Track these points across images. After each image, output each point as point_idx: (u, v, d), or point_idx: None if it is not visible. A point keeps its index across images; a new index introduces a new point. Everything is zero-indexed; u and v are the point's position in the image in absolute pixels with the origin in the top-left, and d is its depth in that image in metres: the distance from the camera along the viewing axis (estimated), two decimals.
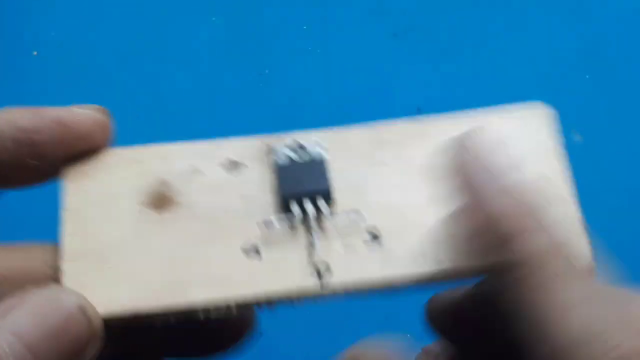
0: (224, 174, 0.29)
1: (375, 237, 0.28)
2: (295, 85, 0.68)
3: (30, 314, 0.24)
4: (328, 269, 0.27)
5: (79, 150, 0.29)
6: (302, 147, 0.29)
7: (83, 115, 0.28)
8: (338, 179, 0.29)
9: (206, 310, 0.26)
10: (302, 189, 0.28)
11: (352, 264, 0.27)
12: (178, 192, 0.29)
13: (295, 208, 0.28)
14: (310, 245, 0.27)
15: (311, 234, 0.28)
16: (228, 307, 0.27)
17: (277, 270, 0.27)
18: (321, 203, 0.28)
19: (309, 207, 0.28)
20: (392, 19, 0.74)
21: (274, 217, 0.28)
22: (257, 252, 0.27)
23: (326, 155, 0.29)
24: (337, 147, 0.29)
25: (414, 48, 0.72)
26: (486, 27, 0.74)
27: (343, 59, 0.70)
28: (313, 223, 0.28)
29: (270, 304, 0.27)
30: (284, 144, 0.29)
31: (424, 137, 0.29)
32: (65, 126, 0.28)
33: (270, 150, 0.29)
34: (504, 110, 0.30)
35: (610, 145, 0.67)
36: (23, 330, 0.24)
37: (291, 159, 0.29)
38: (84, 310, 0.25)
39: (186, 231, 0.28)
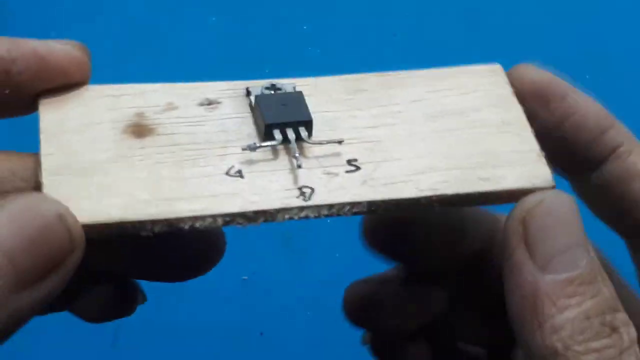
0: (202, 110, 0.30)
1: (356, 167, 0.28)
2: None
3: (8, 221, 0.23)
4: (313, 191, 0.28)
5: (56, 85, 0.29)
6: (276, 87, 0.30)
7: (61, 50, 0.28)
8: (315, 116, 0.29)
9: (192, 222, 0.27)
10: (285, 117, 0.29)
11: (334, 188, 0.28)
12: (156, 123, 0.29)
13: (277, 135, 0.28)
14: (294, 169, 0.28)
15: (295, 157, 0.28)
16: (214, 220, 0.27)
17: (263, 190, 0.27)
18: (303, 132, 0.29)
19: (290, 134, 0.29)
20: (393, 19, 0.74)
21: (257, 142, 0.28)
22: (241, 174, 0.28)
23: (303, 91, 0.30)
24: (312, 91, 0.31)
25: (413, 48, 0.72)
26: (486, 26, 0.74)
27: (343, 59, 0.70)
28: (296, 149, 0.28)
29: (255, 219, 0.27)
30: (261, 86, 0.30)
31: (398, 88, 0.31)
32: (42, 59, 0.28)
33: (248, 92, 0.30)
34: (469, 68, 0.32)
35: None
36: (0, 237, 0.23)
37: (271, 93, 0.30)
38: (63, 219, 0.25)
39: (169, 155, 0.28)
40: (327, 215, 0.28)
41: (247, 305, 0.58)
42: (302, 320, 0.59)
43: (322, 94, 0.31)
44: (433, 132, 0.30)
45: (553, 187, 0.28)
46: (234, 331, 0.57)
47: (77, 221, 0.25)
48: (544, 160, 0.29)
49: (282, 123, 0.29)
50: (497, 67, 0.32)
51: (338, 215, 0.28)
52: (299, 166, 0.28)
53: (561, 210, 0.27)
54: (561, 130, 0.30)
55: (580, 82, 0.70)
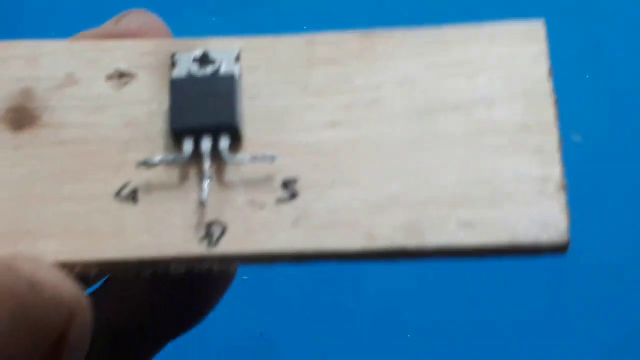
0: (108, 87, 0.22)
1: (292, 194, 0.21)
2: None
3: None
4: (223, 231, 0.20)
5: None
6: (209, 59, 0.22)
7: None
8: (253, 106, 0.22)
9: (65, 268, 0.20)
10: (198, 120, 0.21)
11: (255, 228, 0.20)
12: (44, 106, 0.22)
13: (187, 145, 0.21)
14: (202, 198, 0.21)
15: (207, 179, 0.21)
16: (85, 268, 0.20)
17: (157, 225, 0.21)
18: (223, 141, 0.21)
19: (205, 144, 0.21)
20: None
21: (159, 156, 0.21)
22: (134, 198, 0.21)
23: (237, 71, 0.22)
24: (263, 62, 0.22)
25: None
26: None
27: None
28: (208, 168, 0.21)
29: (139, 269, 0.21)
30: (191, 55, 0.22)
31: (383, 59, 0.22)
32: None
33: (173, 64, 0.22)
34: (497, 27, 0.22)
35: (611, 145, 0.67)
36: None
37: (191, 75, 0.22)
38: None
39: (46, 161, 0.21)
40: (240, 264, 0.21)
41: (247, 305, 0.58)
42: (302, 320, 0.59)
43: (276, 68, 0.22)
44: (414, 138, 0.21)
45: (566, 245, 0.20)
46: (234, 331, 0.57)
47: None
48: (562, 198, 0.20)
49: (194, 128, 0.21)
50: (538, 27, 0.22)
51: (254, 264, 0.21)
52: (203, 197, 0.21)
53: None
54: None
55: (580, 82, 0.71)
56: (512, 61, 0.22)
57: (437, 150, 0.21)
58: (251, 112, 0.22)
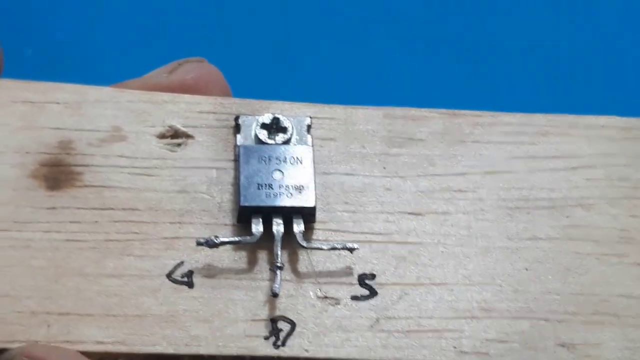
0: (160, 148, 0.19)
1: (370, 289, 0.18)
2: None
3: None
4: (292, 330, 0.18)
5: None
6: (280, 126, 0.19)
7: None
8: (326, 184, 0.19)
9: None
10: (273, 200, 0.18)
11: (327, 329, 0.18)
12: (85, 164, 0.19)
13: (257, 227, 0.18)
14: (271, 289, 0.18)
15: (277, 268, 0.18)
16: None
17: (214, 316, 0.18)
18: (297, 224, 0.18)
19: (278, 227, 0.18)
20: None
21: (223, 236, 0.18)
22: (189, 281, 0.18)
23: (310, 142, 0.19)
24: (338, 133, 0.20)
25: (413, 48, 0.70)
26: (486, 25, 0.72)
27: (343, 60, 0.68)
28: (280, 254, 0.18)
29: None
30: (259, 120, 0.19)
31: (471, 142, 0.20)
32: None
33: (238, 127, 0.19)
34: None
35: None
36: None
37: (260, 143, 0.19)
38: None
39: (87, 228, 0.18)
40: None
41: None
42: None
43: (352, 140, 0.20)
44: (508, 237, 0.19)
45: None
46: None
47: None
48: None
49: (266, 207, 0.18)
50: (637, 125, 0.21)
51: None
52: (275, 288, 0.18)
53: None
54: None
55: (584, 82, 0.68)
56: (612, 160, 0.20)
57: (532, 252, 0.19)
58: (324, 190, 0.19)
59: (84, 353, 0.17)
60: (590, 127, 0.20)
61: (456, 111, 0.20)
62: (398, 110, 0.20)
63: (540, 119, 0.20)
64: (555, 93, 0.59)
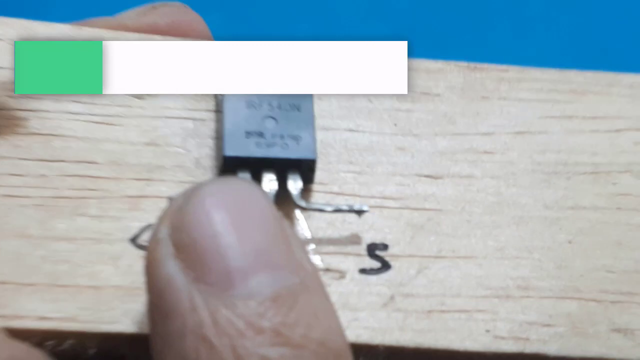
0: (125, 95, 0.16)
1: (382, 262, 0.15)
2: None
3: None
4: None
5: None
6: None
7: None
8: (326, 140, 0.16)
9: (40, 340, 0.14)
10: (262, 150, 0.15)
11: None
12: (33, 107, 0.16)
13: None
14: None
15: None
16: (80, 343, 0.14)
17: None
18: (294, 181, 0.15)
19: (269, 183, 0.15)
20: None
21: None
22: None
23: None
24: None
25: (413, 48, 0.68)
26: (486, 25, 0.71)
27: None
28: None
29: None
30: None
31: (497, 98, 0.17)
32: None
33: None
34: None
35: None
36: None
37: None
38: None
39: (32, 182, 0.15)
40: None
41: None
42: None
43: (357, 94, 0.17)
44: (545, 206, 0.16)
45: None
46: None
47: None
48: None
49: (256, 159, 0.15)
50: None
51: None
52: None
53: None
54: None
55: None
56: None
57: (574, 225, 0.16)
58: (324, 147, 0.16)
59: (23, 331, 0.14)
60: (634, 86, 0.17)
61: (477, 64, 0.17)
62: (410, 62, 0.17)
63: (575, 76, 0.17)
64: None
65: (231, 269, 0.13)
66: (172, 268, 0.13)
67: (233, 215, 0.13)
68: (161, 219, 0.13)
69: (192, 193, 0.13)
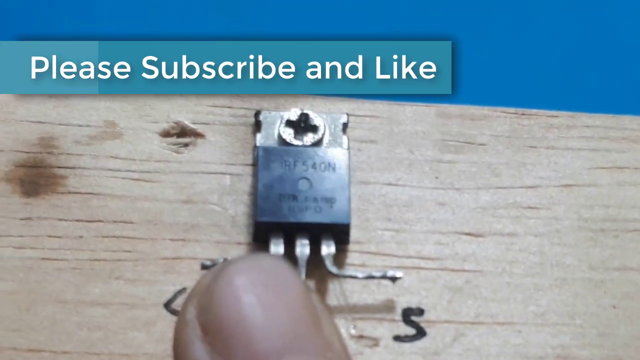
0: (162, 148, 0.16)
1: (417, 328, 0.15)
2: None
3: None
4: None
5: None
6: (309, 124, 0.16)
7: None
8: (364, 196, 0.16)
9: None
10: (295, 215, 0.15)
11: None
12: (70, 166, 0.16)
13: (276, 247, 0.15)
14: None
15: None
16: None
17: None
18: (327, 246, 0.15)
19: (302, 248, 0.15)
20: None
21: (234, 256, 0.15)
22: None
23: (346, 145, 0.16)
24: (375, 133, 0.16)
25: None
26: (486, 24, 0.69)
27: None
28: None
29: None
30: (284, 116, 0.16)
31: (544, 148, 0.16)
32: None
33: (258, 123, 0.16)
34: None
35: None
36: None
37: (285, 144, 0.16)
38: None
39: (68, 243, 0.15)
40: None
41: None
42: None
43: (397, 143, 0.16)
44: (590, 266, 0.15)
45: None
46: None
47: None
48: None
49: (287, 224, 0.15)
50: None
51: None
52: None
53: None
54: None
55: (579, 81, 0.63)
56: None
57: (620, 288, 0.15)
58: (362, 203, 0.16)
59: None
60: None
61: (525, 110, 0.17)
62: (454, 108, 0.17)
63: (628, 122, 0.17)
64: None
65: (258, 354, 0.12)
66: (198, 352, 0.13)
67: (261, 297, 0.13)
68: (189, 297, 0.13)
69: (220, 271, 0.13)
